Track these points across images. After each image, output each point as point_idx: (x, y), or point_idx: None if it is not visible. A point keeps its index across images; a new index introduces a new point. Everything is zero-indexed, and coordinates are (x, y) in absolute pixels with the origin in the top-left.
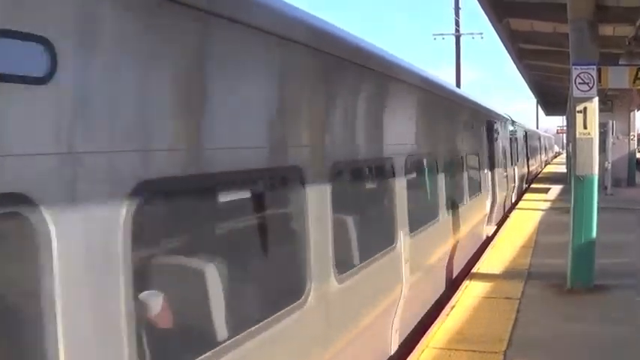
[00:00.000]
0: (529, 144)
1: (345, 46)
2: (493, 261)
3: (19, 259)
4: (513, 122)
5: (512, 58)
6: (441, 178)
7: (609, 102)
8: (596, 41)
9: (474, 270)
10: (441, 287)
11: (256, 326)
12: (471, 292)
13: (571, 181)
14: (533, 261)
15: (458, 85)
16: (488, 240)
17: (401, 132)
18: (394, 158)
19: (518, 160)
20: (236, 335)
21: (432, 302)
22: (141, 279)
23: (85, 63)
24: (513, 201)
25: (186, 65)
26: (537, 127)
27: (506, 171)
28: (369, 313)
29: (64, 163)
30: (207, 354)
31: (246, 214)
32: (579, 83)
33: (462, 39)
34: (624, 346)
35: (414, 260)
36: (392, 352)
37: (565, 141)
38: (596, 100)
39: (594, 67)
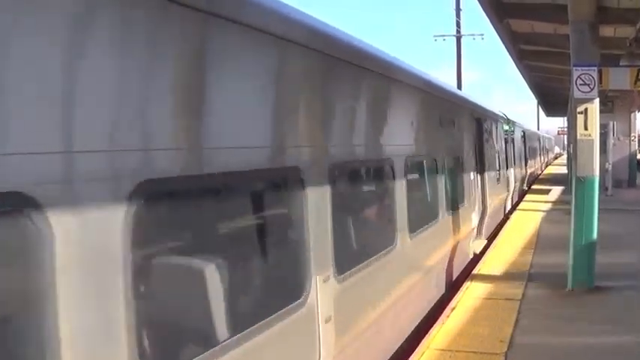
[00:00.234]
0: (528, 145)
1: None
2: (494, 262)
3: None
4: (509, 121)
5: (512, 59)
6: (401, 191)
7: (610, 103)
8: (596, 42)
9: (474, 271)
10: (394, 343)
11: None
12: (471, 293)
13: (572, 182)
14: (534, 262)
15: (459, 86)
16: (477, 258)
17: (335, 129)
18: (309, 169)
19: (515, 163)
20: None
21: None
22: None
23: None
24: (511, 206)
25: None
26: (538, 128)
27: (500, 175)
28: None
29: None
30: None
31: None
32: (580, 84)
33: (462, 40)
34: (625, 347)
35: (339, 319)
36: None
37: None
38: (596, 101)
39: (595, 68)
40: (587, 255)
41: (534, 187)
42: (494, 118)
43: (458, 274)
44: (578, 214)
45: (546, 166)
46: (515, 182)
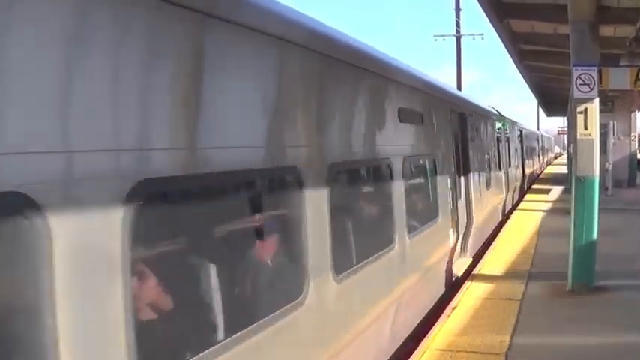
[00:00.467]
0: (525, 145)
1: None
2: (494, 262)
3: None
4: (503, 119)
5: (512, 59)
6: (318, 216)
7: (610, 103)
8: (596, 42)
9: (475, 271)
10: None
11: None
12: (472, 293)
13: (572, 182)
14: (534, 262)
15: (459, 86)
16: (462, 280)
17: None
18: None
19: (510, 165)
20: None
21: None
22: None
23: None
24: (507, 212)
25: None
26: (538, 128)
27: (491, 180)
28: None
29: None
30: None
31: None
32: (580, 84)
33: (462, 40)
34: (625, 347)
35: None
36: None
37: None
38: (596, 101)
39: (595, 68)
40: (587, 255)
41: (534, 187)
42: (485, 114)
43: (440, 294)
44: (578, 214)
45: (546, 165)
46: (510, 186)
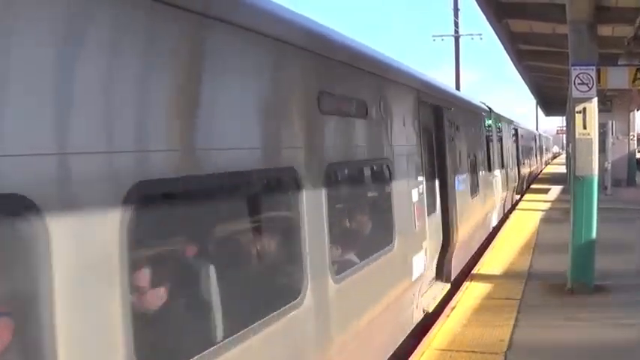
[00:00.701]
0: (521, 145)
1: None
2: (493, 262)
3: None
4: (494, 115)
5: (511, 59)
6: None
7: (609, 102)
8: (595, 42)
9: (474, 271)
10: None
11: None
12: (471, 293)
13: (571, 181)
14: (534, 261)
15: (457, 86)
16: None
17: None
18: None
19: (503, 167)
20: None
21: None
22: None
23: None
24: (501, 218)
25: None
26: (537, 128)
27: (478, 186)
28: None
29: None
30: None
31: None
32: (578, 84)
33: (461, 40)
34: (624, 346)
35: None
36: None
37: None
38: (595, 100)
39: (593, 67)
40: (586, 254)
41: (533, 186)
42: (469, 109)
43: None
44: (577, 214)
45: (545, 165)
46: (503, 192)
